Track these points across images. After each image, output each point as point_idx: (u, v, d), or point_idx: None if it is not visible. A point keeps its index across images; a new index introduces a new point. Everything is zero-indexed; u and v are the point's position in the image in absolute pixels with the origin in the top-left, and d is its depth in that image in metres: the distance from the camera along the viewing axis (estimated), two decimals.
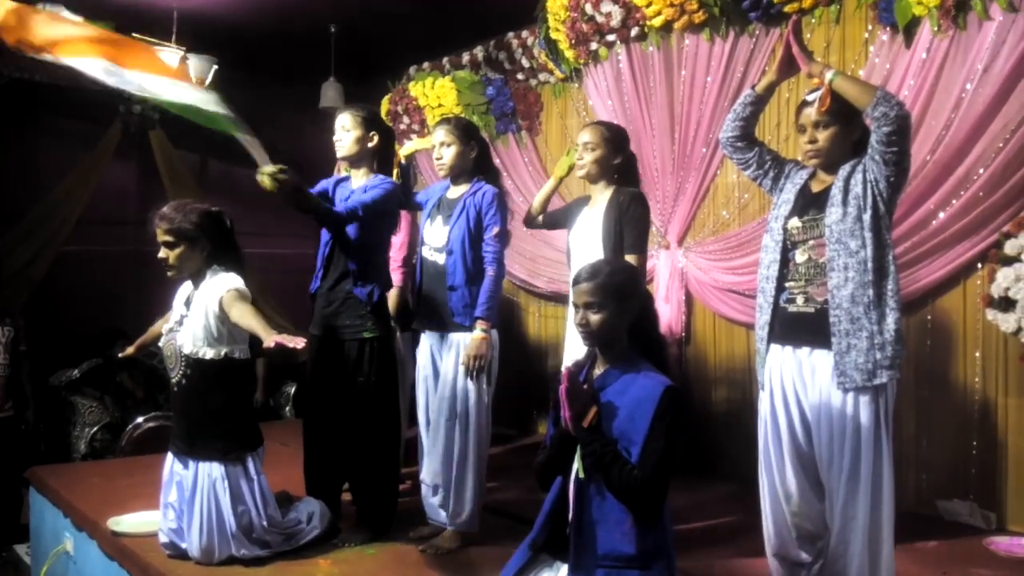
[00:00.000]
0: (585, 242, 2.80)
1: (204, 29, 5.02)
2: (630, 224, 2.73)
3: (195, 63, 4.92)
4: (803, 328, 2.26)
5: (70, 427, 4.86)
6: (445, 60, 5.07)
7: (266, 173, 2.46)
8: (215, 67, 5.00)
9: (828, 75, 2.19)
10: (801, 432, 2.29)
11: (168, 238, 2.48)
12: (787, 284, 2.30)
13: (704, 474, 3.69)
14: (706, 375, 3.97)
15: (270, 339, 2.09)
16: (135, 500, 3.10)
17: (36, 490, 3.67)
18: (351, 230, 2.81)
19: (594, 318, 1.90)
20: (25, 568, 3.88)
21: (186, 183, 5.86)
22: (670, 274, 3.99)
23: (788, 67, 2.31)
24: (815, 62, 2.26)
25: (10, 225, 5.24)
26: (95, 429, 4.87)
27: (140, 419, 4.33)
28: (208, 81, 5.02)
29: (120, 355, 2.86)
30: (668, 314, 3.95)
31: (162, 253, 2.50)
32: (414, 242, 3.27)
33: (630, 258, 2.66)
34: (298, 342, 2.05)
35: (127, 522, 2.91)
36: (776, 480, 2.33)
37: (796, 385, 2.28)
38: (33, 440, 4.58)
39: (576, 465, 1.89)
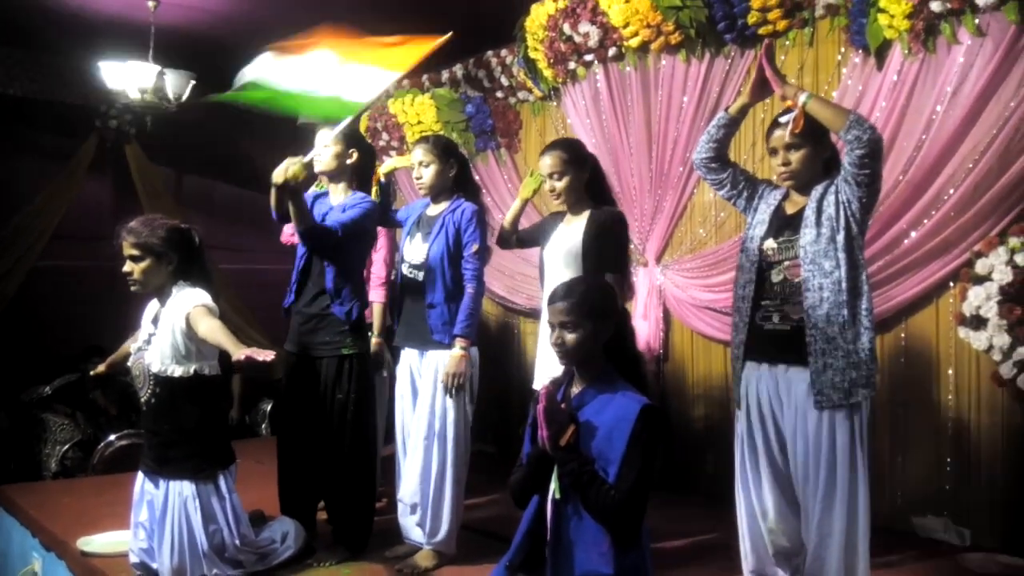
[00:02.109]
0: (560, 259, 2.79)
1: (182, 45, 5.01)
2: (609, 243, 2.74)
3: (172, 79, 4.91)
4: (779, 345, 2.28)
5: (40, 444, 4.78)
6: (424, 78, 5.08)
7: (301, 163, 2.54)
8: (192, 82, 4.99)
9: (802, 98, 2.23)
10: (777, 449, 2.31)
11: (134, 252, 2.45)
12: (763, 303, 2.32)
13: (681, 491, 3.69)
14: (684, 392, 3.98)
15: (240, 352, 2.07)
16: (106, 520, 3.05)
17: (4, 509, 3.59)
18: (331, 249, 2.79)
19: (570, 337, 1.90)
20: None
21: (162, 198, 5.83)
22: (648, 291, 4.01)
23: (761, 90, 2.35)
24: (789, 84, 2.30)
25: None
26: (66, 447, 4.79)
27: (112, 437, 4.26)
28: (185, 97, 5.00)
29: (92, 373, 2.82)
30: (646, 331, 3.97)
31: (127, 267, 2.46)
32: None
33: (610, 277, 2.66)
34: (267, 355, 2.04)
35: (97, 542, 2.86)
36: (753, 497, 2.34)
37: (772, 402, 2.30)
38: (1, 457, 4.49)
39: (553, 485, 1.89)
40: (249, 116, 6.16)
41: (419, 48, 2.63)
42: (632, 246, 3.84)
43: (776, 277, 2.30)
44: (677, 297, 3.93)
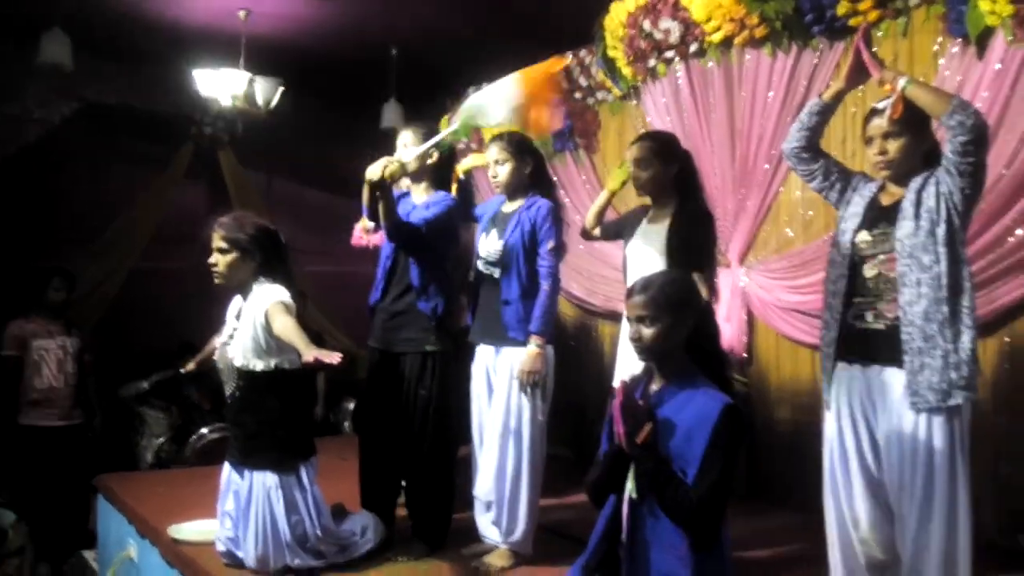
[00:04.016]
0: (644, 255, 2.75)
1: (270, 54, 5.19)
2: (696, 238, 2.68)
3: (262, 85, 5.08)
4: (873, 345, 2.17)
5: (138, 437, 5.01)
6: None
7: (399, 163, 2.66)
8: (280, 89, 5.15)
9: (901, 82, 2.12)
10: (870, 454, 2.19)
11: (222, 244, 2.54)
12: (855, 300, 2.21)
13: (766, 500, 3.57)
14: (769, 396, 3.85)
15: (308, 354, 2.11)
16: (196, 509, 3.16)
17: (103, 497, 3.78)
18: (416, 246, 2.83)
19: (647, 332, 1.86)
20: (92, 573, 3.99)
21: (253, 201, 6.02)
22: (731, 293, 3.90)
23: (858, 74, 2.24)
24: (887, 69, 2.19)
25: (84, 244, 5.47)
26: (161, 440, 5.01)
27: (204, 430, 4.43)
28: (274, 103, 5.18)
29: (182, 369, 2.93)
30: (729, 334, 3.86)
31: (212, 258, 2.55)
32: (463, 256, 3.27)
33: (696, 273, 2.60)
34: (334, 357, 2.06)
35: (187, 530, 2.96)
36: (843, 505, 2.23)
37: (865, 405, 2.19)
38: (101, 449, 4.73)
39: (629, 485, 1.84)
40: (334, 122, 6.38)
41: (536, 73, 2.67)
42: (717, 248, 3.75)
43: (870, 272, 2.19)
44: (762, 299, 3.80)
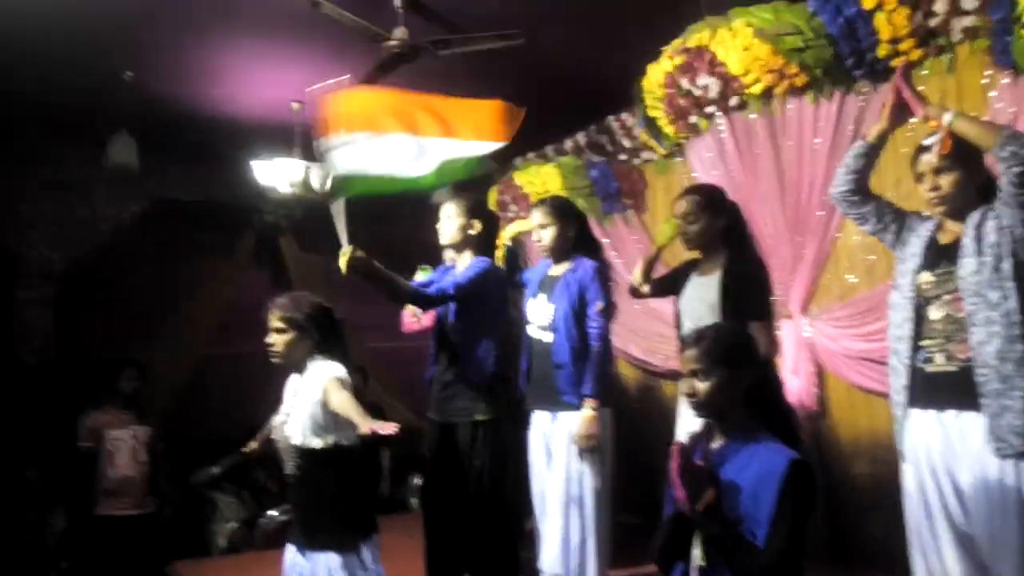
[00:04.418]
0: (697, 309, 2.70)
1: None
2: (749, 290, 2.63)
3: (316, 171, 5.27)
4: (946, 389, 2.06)
5: (210, 523, 5.06)
6: (549, 148, 5.18)
7: (348, 250, 2.70)
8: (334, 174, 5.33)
9: (947, 117, 2.07)
10: (956, 506, 2.04)
11: (279, 325, 2.58)
12: (922, 343, 2.11)
13: (849, 561, 3.38)
14: (845, 451, 3.67)
15: (365, 426, 2.12)
16: None
17: None
18: (452, 312, 2.83)
19: (701, 386, 1.80)
20: None
21: (314, 283, 6.16)
22: (796, 345, 3.78)
23: (900, 113, 2.20)
24: (930, 105, 2.14)
25: (154, 335, 5.67)
26: (233, 524, 5.04)
27: (272, 512, 4.44)
28: (328, 187, 5.35)
29: (244, 451, 2.95)
30: (797, 388, 3.73)
31: (270, 338, 2.60)
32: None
33: (754, 326, 2.53)
34: (390, 428, 2.07)
35: None
36: (932, 562, 2.08)
37: (944, 453, 2.06)
38: (174, 536, 4.78)
39: (696, 551, 1.76)
40: (386, 200, 6.55)
41: (490, 113, 2.68)
42: (774, 297, 3.66)
43: (936, 313, 2.09)
44: (829, 349, 3.67)
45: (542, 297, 2.87)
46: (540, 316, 2.84)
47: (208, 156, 5.95)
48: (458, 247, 2.98)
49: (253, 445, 2.93)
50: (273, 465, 5.17)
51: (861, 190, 2.28)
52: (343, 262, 2.65)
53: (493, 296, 2.95)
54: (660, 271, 3.23)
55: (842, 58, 3.37)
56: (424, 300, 2.82)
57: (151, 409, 4.89)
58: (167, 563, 4.04)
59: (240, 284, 6.12)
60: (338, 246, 2.75)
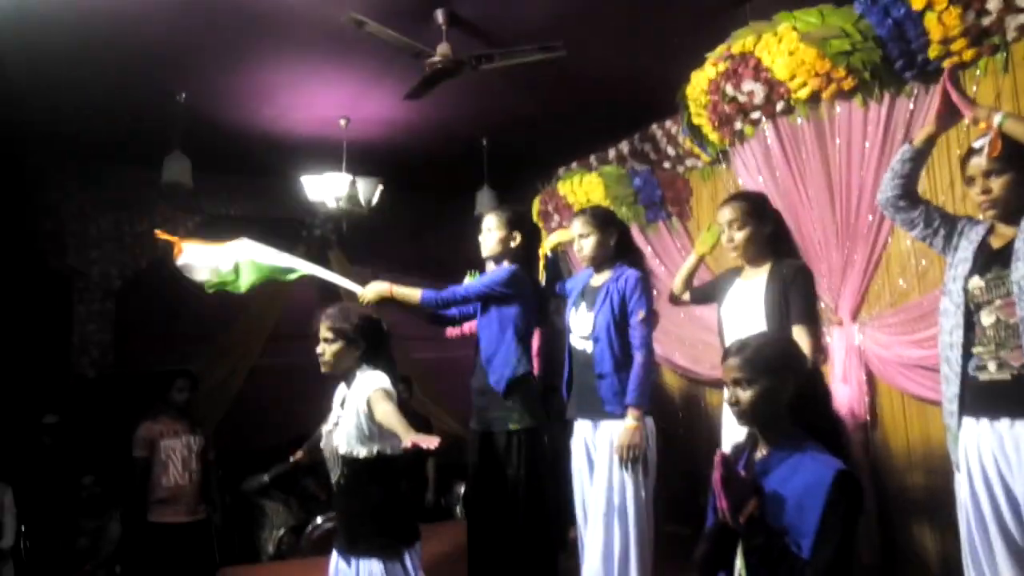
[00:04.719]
0: (741, 316, 2.66)
1: (369, 155, 5.49)
2: (795, 295, 2.58)
3: (363, 185, 5.36)
4: (1000, 397, 1.99)
5: (259, 530, 5.15)
6: (592, 158, 5.17)
7: (371, 292, 2.96)
8: (380, 187, 5.42)
9: (997, 118, 2.01)
10: (1011, 518, 1.97)
11: (328, 335, 2.64)
12: (974, 350, 2.05)
13: (900, 573, 3.27)
14: (897, 461, 3.57)
15: (408, 439, 2.16)
16: None
17: None
18: (480, 319, 2.85)
19: (744, 395, 1.77)
20: None
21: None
22: (846, 352, 3.69)
23: (948, 116, 2.15)
24: (979, 106, 2.08)
25: (206, 347, 5.83)
26: (282, 531, 5.12)
27: (319, 519, 4.49)
28: (374, 201, 5.44)
29: (291, 459, 3.01)
30: (848, 396, 3.64)
31: (319, 348, 2.65)
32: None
33: (799, 330, 2.49)
34: (432, 441, 2.09)
35: None
36: (986, 574, 2.00)
37: (999, 463, 1.99)
38: (225, 542, 4.88)
39: (738, 563, 1.73)
40: (431, 213, 6.62)
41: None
42: (823, 305, 3.58)
43: (987, 319, 2.03)
44: (881, 356, 3.57)
45: (583, 307, 2.86)
46: (581, 326, 2.83)
47: (259, 173, 6.11)
48: (498, 259, 2.99)
49: (300, 454, 2.98)
50: (322, 473, 5.28)
51: (909, 195, 2.23)
52: (364, 300, 2.90)
53: (519, 303, 2.92)
54: (702, 278, 3.20)
55: (891, 60, 3.30)
56: (438, 301, 2.90)
57: (203, 419, 5.02)
58: (217, 569, 4.13)
59: (290, 296, 6.24)
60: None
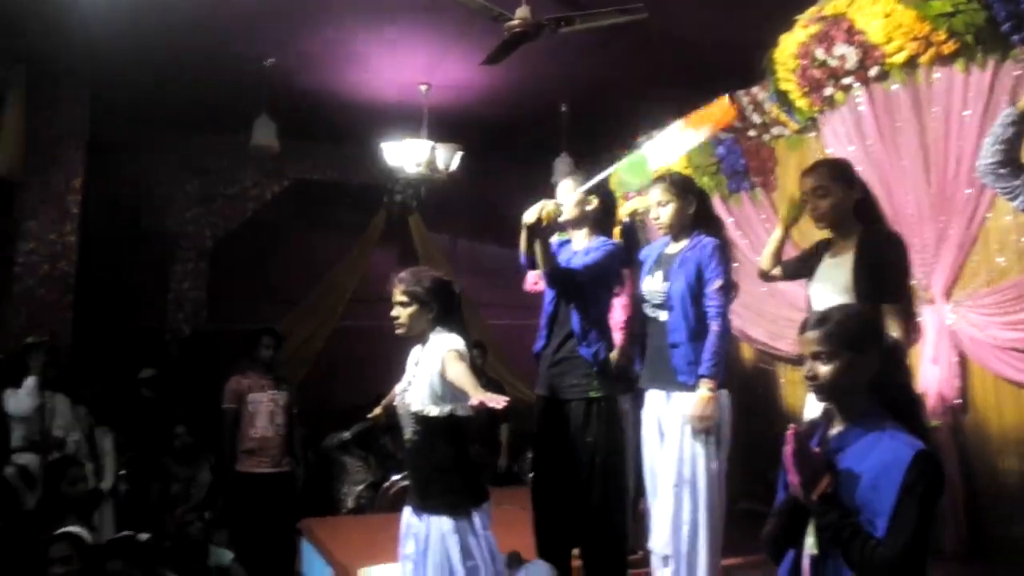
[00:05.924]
0: (828, 293, 2.54)
1: (449, 121, 5.53)
2: (885, 268, 2.47)
3: (442, 152, 5.40)
4: None
5: (339, 484, 5.36)
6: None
7: (556, 204, 2.76)
8: (459, 154, 5.45)
9: None
10: None
11: (403, 298, 2.69)
12: None
13: (990, 559, 3.18)
14: (988, 445, 3.42)
15: (476, 397, 2.21)
16: (386, 553, 3.28)
17: (306, 539, 4.06)
18: (575, 291, 2.84)
19: (823, 370, 1.72)
20: None
21: (439, 261, 6.36)
22: (937, 332, 3.53)
23: None
24: None
25: (292, 307, 6.05)
26: (360, 487, 5.31)
27: (396, 477, 4.63)
28: (453, 167, 5.49)
29: (368, 416, 3.10)
30: (938, 378, 3.49)
31: (395, 311, 2.71)
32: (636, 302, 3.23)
33: (890, 309, 2.39)
34: (500, 400, 2.14)
35: (375, 573, 3.10)
36: None
37: None
38: (307, 495, 5.09)
39: (809, 539, 1.69)
40: (509, 180, 6.66)
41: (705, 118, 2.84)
42: (914, 281, 3.43)
43: None
44: (974, 338, 3.41)
45: (658, 275, 2.82)
46: (655, 294, 2.80)
47: (342, 138, 6.24)
48: (575, 224, 2.98)
49: (378, 411, 3.07)
50: (399, 432, 5.44)
51: (1011, 162, 2.11)
52: (544, 212, 2.72)
53: (613, 276, 2.95)
54: (789, 252, 3.09)
55: (997, 22, 3.09)
56: (558, 279, 2.85)
57: (289, 375, 5.22)
58: (298, 519, 4.31)
59: (371, 260, 6.40)
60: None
